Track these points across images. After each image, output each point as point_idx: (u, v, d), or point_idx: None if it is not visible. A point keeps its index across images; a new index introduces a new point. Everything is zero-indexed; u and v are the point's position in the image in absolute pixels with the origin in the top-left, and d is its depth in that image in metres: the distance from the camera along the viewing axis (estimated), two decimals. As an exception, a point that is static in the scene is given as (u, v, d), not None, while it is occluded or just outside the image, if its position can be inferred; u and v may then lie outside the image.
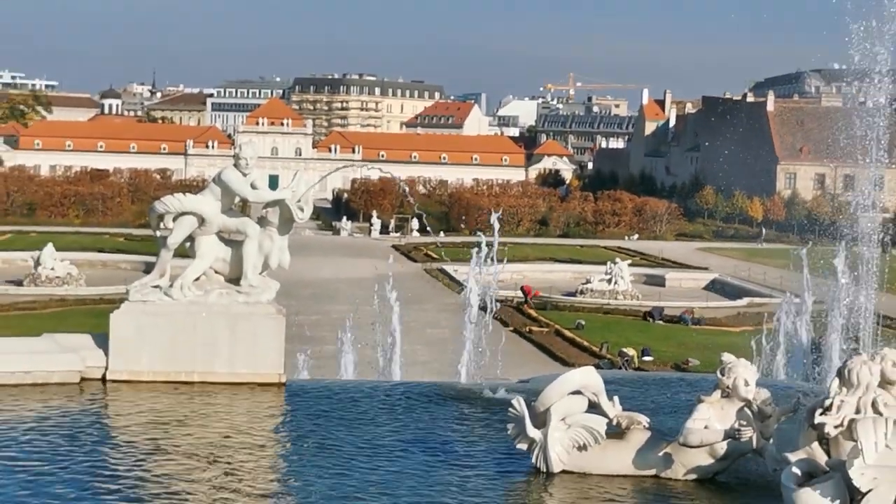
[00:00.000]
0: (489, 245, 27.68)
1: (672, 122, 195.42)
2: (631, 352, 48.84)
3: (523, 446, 14.20)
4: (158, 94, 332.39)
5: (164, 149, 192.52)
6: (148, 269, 19.74)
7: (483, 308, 28.32)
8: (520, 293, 66.46)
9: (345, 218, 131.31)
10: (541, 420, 14.13)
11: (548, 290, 70.51)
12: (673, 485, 13.86)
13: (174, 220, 18.65)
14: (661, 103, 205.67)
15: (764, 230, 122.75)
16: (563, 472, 14.02)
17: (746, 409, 14.00)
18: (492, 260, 27.69)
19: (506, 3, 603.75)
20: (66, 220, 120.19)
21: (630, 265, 76.47)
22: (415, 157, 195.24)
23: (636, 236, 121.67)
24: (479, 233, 26.50)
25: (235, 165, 18.67)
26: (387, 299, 28.18)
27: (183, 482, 13.71)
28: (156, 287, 18.71)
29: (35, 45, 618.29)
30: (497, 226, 27.10)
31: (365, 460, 14.74)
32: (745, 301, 69.53)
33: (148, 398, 17.43)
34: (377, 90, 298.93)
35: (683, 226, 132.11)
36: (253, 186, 18.71)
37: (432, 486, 13.75)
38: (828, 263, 27.74)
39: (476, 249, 28.22)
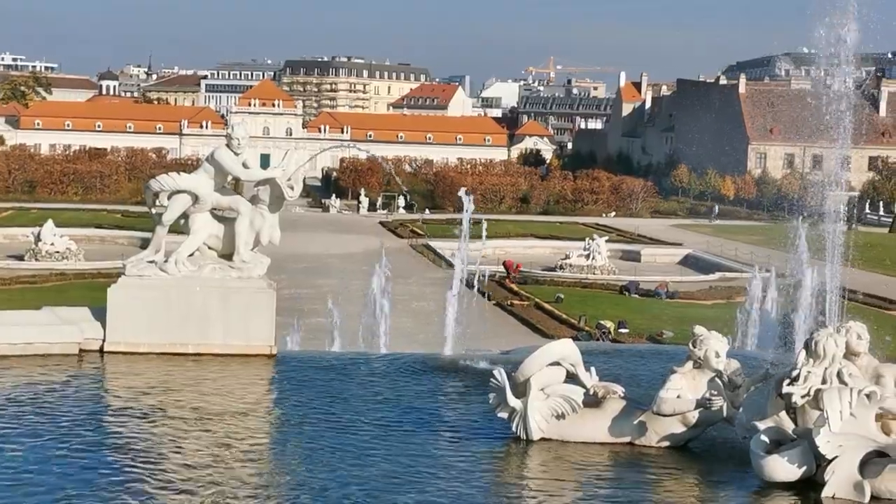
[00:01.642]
0: (473, 223, 27.76)
1: (648, 104, 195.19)
2: (608, 324, 48.84)
3: (504, 415, 14.24)
4: (154, 76, 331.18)
5: (160, 129, 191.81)
6: (144, 244, 19.75)
7: (469, 285, 28.38)
8: (502, 268, 66.46)
9: (334, 196, 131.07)
10: (521, 390, 14.16)
11: (528, 266, 70.42)
12: (647, 451, 13.91)
13: (169, 197, 18.66)
14: (638, 86, 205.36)
15: (717, 207, 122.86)
16: (542, 439, 14.06)
17: (717, 380, 14.04)
18: (473, 236, 27.74)
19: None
20: (66, 198, 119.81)
21: (607, 241, 76.33)
22: (401, 137, 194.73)
23: (613, 213, 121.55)
24: (465, 210, 26.36)
25: (228, 145, 18.67)
26: (375, 274, 28.15)
27: (175, 442, 13.87)
28: (151, 262, 18.72)
29: (35, 28, 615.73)
30: (470, 205, 27.01)
31: (349, 427, 14.79)
32: (716, 275, 69.51)
33: (143, 368, 17.45)
34: (365, 72, 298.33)
35: (658, 203, 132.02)
36: (245, 165, 18.72)
37: (414, 452, 13.79)
38: (796, 239, 27.82)
39: (459, 228, 28.23)
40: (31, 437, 13.74)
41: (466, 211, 27.03)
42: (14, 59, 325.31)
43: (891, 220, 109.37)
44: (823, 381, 12.80)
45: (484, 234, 30.64)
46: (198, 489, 12.12)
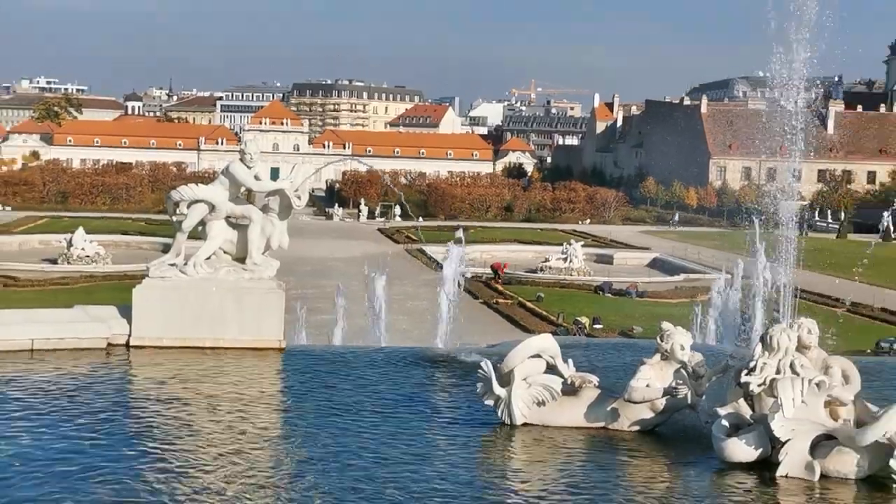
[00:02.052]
0: (459, 241, 27.96)
1: (619, 123, 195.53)
2: (584, 320, 48.93)
3: (490, 402, 14.24)
4: (174, 98, 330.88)
5: (180, 145, 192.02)
6: (165, 249, 19.70)
7: (458, 284, 28.34)
8: (489, 270, 66.46)
9: (336, 205, 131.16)
10: (505, 380, 14.16)
11: (512, 268, 70.47)
12: (619, 435, 13.91)
13: (188, 206, 18.67)
14: (610, 106, 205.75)
15: (677, 215, 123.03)
16: (525, 424, 14.06)
17: (682, 370, 14.05)
18: (460, 240, 27.86)
19: (477, 18, 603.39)
20: (95, 207, 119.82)
21: (583, 246, 76.52)
22: (397, 152, 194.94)
23: (588, 221, 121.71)
24: (458, 229, 26.51)
25: (241, 159, 18.69)
26: (373, 276, 28.16)
27: (193, 425, 13.91)
28: (172, 265, 18.71)
29: (67, 54, 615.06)
30: (462, 239, 27.36)
31: (350, 414, 14.79)
32: (681, 277, 69.63)
33: (165, 360, 17.44)
34: (365, 94, 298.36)
35: (629, 212, 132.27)
36: (257, 178, 18.74)
37: (409, 435, 13.79)
38: (753, 244, 27.85)
39: (451, 249, 28.30)
40: (65, 421, 13.74)
41: (460, 241, 27.30)
42: (48, 83, 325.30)
43: (837, 226, 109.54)
44: (777, 372, 12.82)
45: (461, 237, 30.65)
46: (216, 468, 12.13)
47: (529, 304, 56.02)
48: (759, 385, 12.85)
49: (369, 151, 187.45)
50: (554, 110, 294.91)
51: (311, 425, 14.20)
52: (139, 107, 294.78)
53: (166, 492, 11.28)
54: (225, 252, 18.91)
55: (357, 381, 16.98)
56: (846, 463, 12.22)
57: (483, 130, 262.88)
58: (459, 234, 28.62)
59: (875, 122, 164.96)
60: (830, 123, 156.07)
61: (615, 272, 73.13)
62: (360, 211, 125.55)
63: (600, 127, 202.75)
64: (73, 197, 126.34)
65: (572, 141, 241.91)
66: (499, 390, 14.14)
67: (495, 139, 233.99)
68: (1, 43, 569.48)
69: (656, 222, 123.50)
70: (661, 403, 13.96)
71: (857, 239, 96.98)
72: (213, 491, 11.43)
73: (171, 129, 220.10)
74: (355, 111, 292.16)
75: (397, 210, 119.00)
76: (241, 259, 18.85)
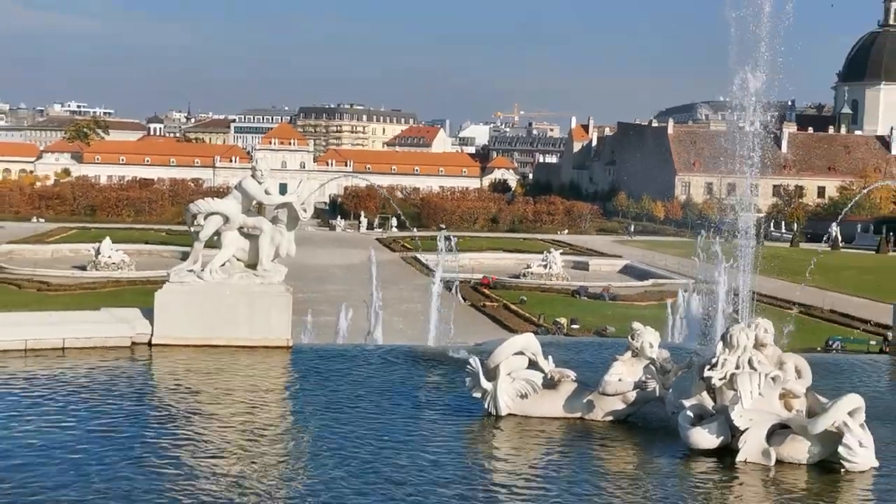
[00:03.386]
0: (448, 238, 28.00)
1: (594, 143, 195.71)
2: (562, 321, 48.92)
3: (478, 395, 14.24)
4: (192, 120, 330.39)
5: (197, 163, 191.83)
6: (184, 257, 19.70)
7: (448, 288, 28.35)
8: (478, 276, 66.46)
9: (339, 217, 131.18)
10: (491, 374, 14.16)
11: (498, 273, 70.45)
12: (594, 425, 13.90)
13: (205, 218, 18.69)
14: (586, 127, 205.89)
15: (633, 225, 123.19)
16: (509, 415, 14.06)
17: (651, 366, 14.07)
18: (451, 249, 27.89)
19: (466, 49, 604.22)
20: (120, 219, 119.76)
21: (561, 254, 76.52)
22: (394, 169, 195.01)
23: (566, 231, 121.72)
24: (443, 227, 26.53)
25: (253, 176, 18.72)
26: (372, 282, 28.22)
27: (209, 415, 13.96)
28: (190, 271, 18.70)
29: (95, 80, 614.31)
30: (446, 243, 27.44)
31: (349, 404, 14.81)
32: (649, 282, 69.63)
33: (184, 357, 17.43)
34: (364, 117, 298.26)
35: (603, 223, 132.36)
36: (267, 192, 18.75)
37: (404, 424, 13.81)
38: (714, 252, 27.88)
39: (440, 244, 28.38)
40: (93, 412, 13.76)
41: (442, 251, 27.41)
42: (78, 106, 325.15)
43: (790, 236, 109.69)
44: (737, 367, 12.84)
45: (445, 244, 30.66)
46: (229, 452, 12.17)
47: (513, 307, 55.99)
48: (721, 379, 12.87)
49: (368, 169, 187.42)
50: (535, 131, 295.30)
51: (315, 415, 14.23)
52: (160, 128, 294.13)
53: (185, 472, 11.33)
54: (238, 259, 18.92)
55: (357, 375, 16.99)
56: (799, 449, 12.24)
57: (471, 149, 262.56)
58: (444, 233, 28.67)
59: (824, 142, 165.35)
60: (784, 143, 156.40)
61: (590, 278, 73.14)
62: (360, 222, 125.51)
63: (577, 146, 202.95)
64: (100, 210, 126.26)
65: (552, 159, 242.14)
66: (485, 384, 14.15)
67: (482, 158, 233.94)
68: (36, 71, 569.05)
69: (598, 232, 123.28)
70: (632, 396, 13.98)
71: (808, 248, 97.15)
72: (226, 472, 11.45)
73: (190, 148, 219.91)
74: (356, 132, 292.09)
75: (394, 221, 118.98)
76: (252, 266, 18.86)
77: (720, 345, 13.07)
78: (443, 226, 30.08)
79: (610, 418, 14.02)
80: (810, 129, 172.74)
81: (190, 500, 10.50)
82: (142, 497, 10.57)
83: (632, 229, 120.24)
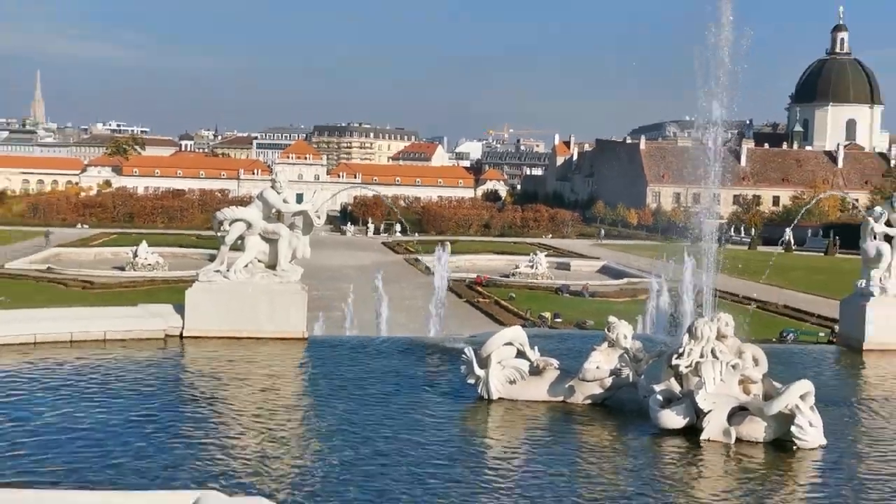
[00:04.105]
0: (443, 244, 28.15)
1: (575, 157, 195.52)
2: (547, 315, 48.84)
3: (472, 381, 14.25)
4: (219, 137, 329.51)
5: (224, 175, 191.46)
6: (212, 259, 19.69)
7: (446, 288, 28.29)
8: (473, 276, 66.41)
9: (349, 223, 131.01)
10: (484, 363, 14.18)
11: (489, 273, 70.39)
12: (575, 407, 13.92)
13: (230, 224, 18.69)
14: (568, 144, 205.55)
15: (602, 230, 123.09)
16: (500, 399, 14.08)
17: (625, 355, 14.08)
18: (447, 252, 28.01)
19: (461, 74, 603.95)
20: (155, 225, 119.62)
21: (546, 256, 76.23)
22: (398, 180, 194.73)
23: (550, 236, 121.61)
24: (443, 237, 26.62)
25: (273, 187, 18.73)
26: (378, 281, 28.18)
27: (233, 396, 13.99)
28: (217, 271, 18.71)
29: (133, 102, 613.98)
30: (444, 253, 27.67)
31: (358, 389, 14.83)
32: (624, 280, 69.48)
33: (212, 348, 17.45)
34: (371, 134, 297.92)
35: (583, 229, 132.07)
36: (285, 201, 18.75)
37: (406, 406, 13.83)
38: (681, 254, 27.85)
39: (440, 247, 28.45)
40: (131, 396, 13.83)
41: (440, 259, 27.55)
42: (118, 125, 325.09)
43: (749, 240, 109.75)
44: (701, 356, 12.86)
45: (447, 248, 30.70)
46: (250, 429, 12.21)
47: (503, 303, 55.90)
48: (687, 367, 12.89)
49: (375, 180, 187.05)
50: (523, 147, 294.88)
51: (327, 397, 14.27)
52: (191, 144, 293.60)
53: (213, 446, 11.41)
54: (259, 261, 18.92)
55: (364, 363, 17.00)
56: (756, 429, 12.26)
57: (466, 163, 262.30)
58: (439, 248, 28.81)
59: (779, 156, 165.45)
60: (743, 158, 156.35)
61: (572, 277, 73.07)
62: (367, 228, 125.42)
63: (560, 161, 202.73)
64: (137, 217, 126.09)
65: (537, 172, 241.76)
66: (479, 371, 14.16)
67: (476, 171, 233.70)
68: (81, 94, 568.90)
69: (579, 237, 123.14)
70: (609, 382, 13.99)
71: (764, 250, 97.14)
72: (249, 445, 11.52)
73: (217, 162, 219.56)
74: (364, 148, 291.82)
75: (398, 227, 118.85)
76: (272, 266, 18.86)
77: (686, 336, 13.10)
78: (443, 243, 30.21)
79: (589, 401, 14.04)
80: (766, 145, 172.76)
81: (219, 469, 10.56)
82: (178, 465, 10.66)
83: (602, 234, 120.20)
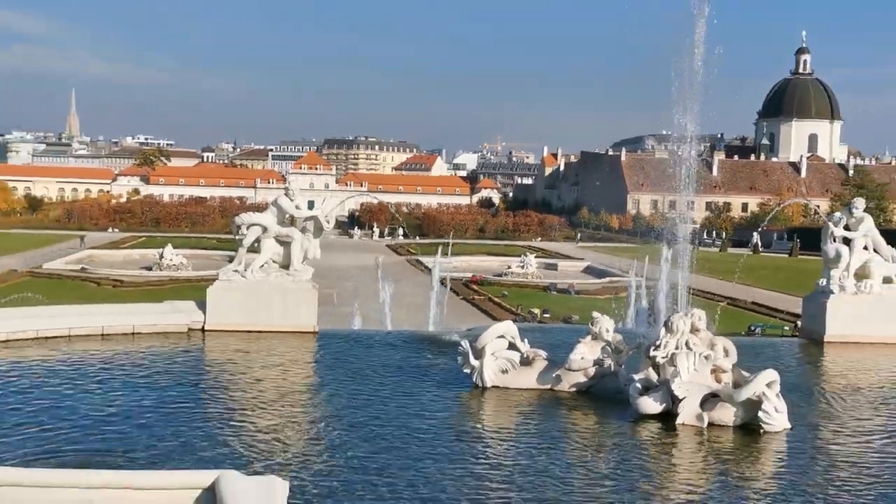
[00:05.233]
0: (444, 246, 28.14)
1: (562, 167, 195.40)
2: (536, 311, 48.81)
3: (467, 371, 14.25)
4: (238, 149, 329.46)
5: (242, 184, 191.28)
6: (231, 260, 19.68)
7: (443, 284, 28.29)
8: (470, 275, 66.40)
9: (356, 227, 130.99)
10: (478, 354, 14.18)
11: (485, 273, 70.37)
12: (561, 395, 13.92)
13: (247, 228, 18.74)
14: (555, 155, 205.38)
15: (580, 234, 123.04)
16: (493, 387, 14.08)
17: (607, 347, 14.08)
18: (446, 254, 27.96)
19: (459, 92, 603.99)
20: (179, 229, 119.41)
21: (535, 257, 76.09)
22: (400, 189, 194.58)
23: (539, 239, 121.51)
24: (442, 240, 26.63)
25: (286, 194, 18.81)
26: (382, 280, 28.20)
27: (249, 383, 14.01)
28: (236, 271, 18.73)
29: (159, 117, 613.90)
30: (442, 254, 27.69)
31: (363, 377, 14.84)
32: (606, 279, 69.39)
33: (231, 340, 17.44)
34: (376, 146, 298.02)
35: (569, 232, 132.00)
36: (297, 207, 18.83)
37: (407, 392, 13.84)
38: (658, 256, 27.89)
39: (439, 249, 28.46)
40: (158, 381, 13.89)
41: (438, 257, 27.57)
42: (146, 139, 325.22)
43: (720, 243, 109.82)
44: (676, 348, 12.86)
45: (449, 250, 30.66)
46: (265, 412, 12.23)
47: (496, 300, 55.83)
48: (663, 357, 12.88)
49: (380, 189, 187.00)
50: (514, 158, 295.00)
51: (335, 384, 14.26)
52: (212, 156, 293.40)
53: (233, 427, 11.48)
54: (274, 262, 18.94)
55: (369, 354, 17.00)
56: (727, 414, 12.26)
57: (463, 173, 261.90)
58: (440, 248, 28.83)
59: (747, 167, 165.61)
60: (715, 168, 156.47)
61: (559, 276, 72.97)
62: (373, 232, 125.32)
63: (548, 170, 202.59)
64: (163, 222, 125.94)
65: (528, 181, 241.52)
66: (474, 362, 14.16)
67: (472, 180, 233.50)
68: (112, 110, 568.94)
69: (587, 240, 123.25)
70: (592, 371, 13.99)
71: (734, 252, 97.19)
72: (265, 426, 11.57)
73: (236, 172, 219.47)
74: (370, 159, 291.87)
75: (400, 231, 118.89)
76: (285, 266, 18.89)
77: (663, 330, 13.09)
78: (444, 245, 30.14)
79: (574, 389, 14.03)
80: (736, 157, 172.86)
81: (242, 446, 10.66)
82: (201, 445, 10.73)
83: (579, 237, 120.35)
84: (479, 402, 13.66)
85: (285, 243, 18.85)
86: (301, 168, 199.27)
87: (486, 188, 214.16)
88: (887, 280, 20.28)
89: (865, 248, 20.26)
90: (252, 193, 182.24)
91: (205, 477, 8.48)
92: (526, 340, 14.66)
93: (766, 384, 12.13)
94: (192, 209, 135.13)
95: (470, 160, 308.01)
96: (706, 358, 12.85)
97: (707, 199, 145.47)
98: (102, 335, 17.26)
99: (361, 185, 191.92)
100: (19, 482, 8.49)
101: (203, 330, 18.15)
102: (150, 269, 68.86)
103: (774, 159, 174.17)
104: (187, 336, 17.84)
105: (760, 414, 12.02)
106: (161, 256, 69.39)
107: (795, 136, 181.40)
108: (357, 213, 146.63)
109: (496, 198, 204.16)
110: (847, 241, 20.18)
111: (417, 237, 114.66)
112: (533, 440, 11.64)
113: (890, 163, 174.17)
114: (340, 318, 30.99)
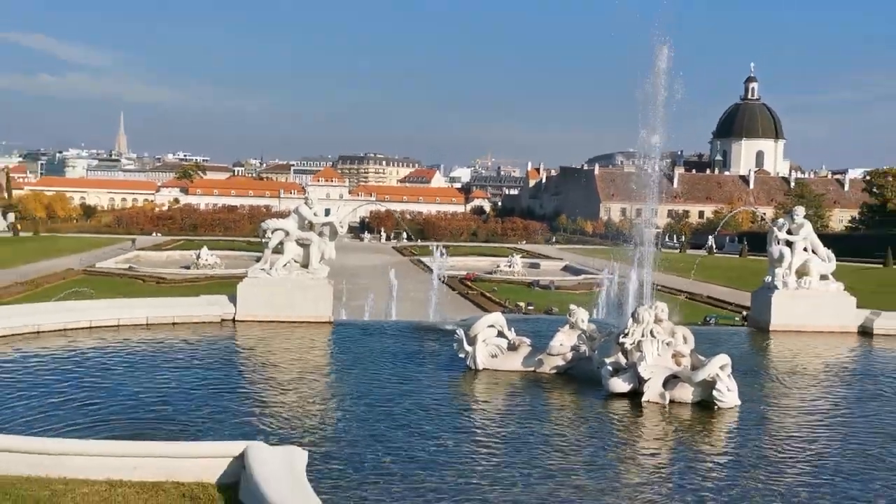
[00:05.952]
0: (440, 248, 28.17)
1: (543, 180, 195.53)
2: (521, 304, 48.74)
3: (462, 355, 14.25)
4: (265, 164, 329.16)
5: (268, 194, 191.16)
6: (258, 260, 19.69)
7: (441, 280, 28.25)
8: (464, 273, 66.33)
9: (366, 232, 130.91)
10: (471, 340, 14.18)
11: (478, 271, 70.31)
12: (543, 376, 13.92)
13: (272, 232, 18.75)
14: (538, 169, 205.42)
15: (554, 237, 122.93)
16: (484, 369, 14.08)
17: (583, 335, 14.08)
18: (442, 254, 27.93)
19: (455, 114, 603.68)
20: (214, 233, 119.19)
21: (521, 258, 76.09)
22: (405, 199, 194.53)
23: (524, 242, 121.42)
24: (438, 244, 26.60)
25: (306, 203, 18.84)
26: (389, 277, 28.14)
27: (276, 366, 13.94)
28: (262, 269, 18.73)
29: (196, 136, 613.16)
30: (442, 251, 27.67)
31: (373, 360, 14.84)
32: (582, 276, 69.21)
33: (259, 329, 17.44)
34: (384, 162, 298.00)
35: (549, 236, 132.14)
36: (315, 214, 18.83)
37: (409, 375, 13.81)
38: (627, 256, 27.90)
39: (435, 249, 28.43)
40: (199, 364, 13.84)
41: (437, 257, 27.50)
42: (184, 155, 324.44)
43: (679, 245, 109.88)
44: (642, 336, 12.86)
45: (445, 252, 30.61)
46: (287, 391, 12.20)
47: (487, 294, 55.68)
48: (631, 344, 12.88)
49: (387, 198, 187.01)
50: (502, 172, 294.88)
51: (348, 367, 14.26)
52: (241, 170, 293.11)
53: (260, 402, 11.49)
54: (295, 261, 18.94)
55: (378, 341, 16.99)
56: (685, 393, 12.27)
57: (458, 185, 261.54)
58: (438, 249, 28.80)
59: (703, 180, 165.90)
60: (675, 180, 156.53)
61: (541, 274, 72.87)
62: (380, 236, 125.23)
63: (531, 183, 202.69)
64: (200, 227, 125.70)
65: (514, 191, 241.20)
66: (467, 347, 14.16)
67: (466, 191, 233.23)
68: (156, 130, 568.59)
69: (565, 243, 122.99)
70: (570, 356, 13.99)
71: (692, 253, 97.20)
72: (287, 403, 11.54)
73: (262, 184, 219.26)
74: (378, 173, 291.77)
75: (404, 235, 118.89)
76: (305, 266, 18.89)
77: (630, 320, 13.10)
78: (442, 247, 30.14)
79: (554, 371, 14.04)
80: (693, 171, 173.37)
81: (267, 419, 10.67)
82: (232, 419, 10.72)
83: (553, 240, 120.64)
84: (472, 381, 13.67)
85: (305, 245, 18.85)
86: (319, 181, 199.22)
87: (478, 198, 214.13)
88: (824, 277, 20.36)
89: (805, 249, 20.35)
90: (276, 202, 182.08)
91: (235, 447, 8.53)
92: (512, 329, 14.67)
93: (719, 367, 12.15)
94: (224, 216, 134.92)
95: (464, 174, 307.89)
96: (668, 344, 12.85)
97: (669, 207, 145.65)
98: (147, 325, 17.25)
99: (371, 195, 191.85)
100: (83, 451, 8.58)
101: (234, 320, 18.15)
102: (188, 267, 68.72)
103: (727, 173, 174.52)
104: (220, 326, 17.83)
105: (715, 392, 12.04)
106: (198, 257, 69.24)
107: (745, 153, 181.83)
108: (367, 220, 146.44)
109: (487, 206, 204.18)
110: (789, 244, 20.26)
111: (419, 240, 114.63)
112: (518, 413, 11.64)
113: (826, 176, 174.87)
114: (353, 310, 30.98)
